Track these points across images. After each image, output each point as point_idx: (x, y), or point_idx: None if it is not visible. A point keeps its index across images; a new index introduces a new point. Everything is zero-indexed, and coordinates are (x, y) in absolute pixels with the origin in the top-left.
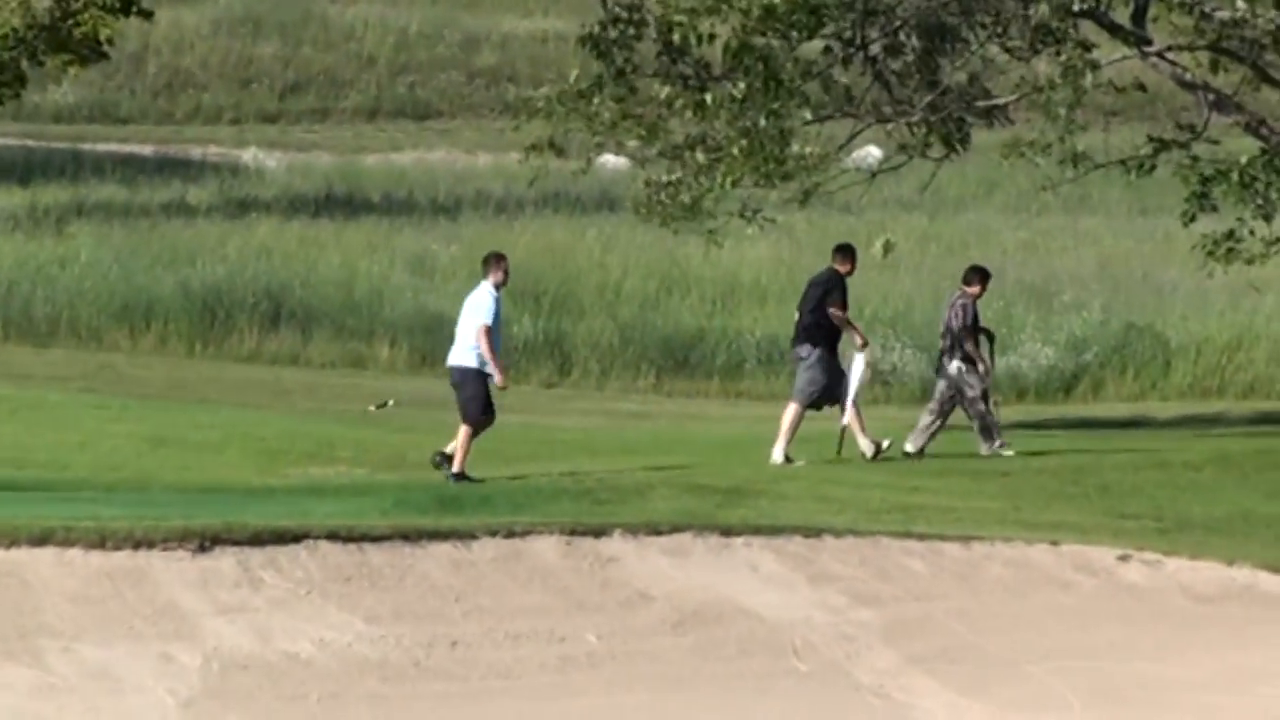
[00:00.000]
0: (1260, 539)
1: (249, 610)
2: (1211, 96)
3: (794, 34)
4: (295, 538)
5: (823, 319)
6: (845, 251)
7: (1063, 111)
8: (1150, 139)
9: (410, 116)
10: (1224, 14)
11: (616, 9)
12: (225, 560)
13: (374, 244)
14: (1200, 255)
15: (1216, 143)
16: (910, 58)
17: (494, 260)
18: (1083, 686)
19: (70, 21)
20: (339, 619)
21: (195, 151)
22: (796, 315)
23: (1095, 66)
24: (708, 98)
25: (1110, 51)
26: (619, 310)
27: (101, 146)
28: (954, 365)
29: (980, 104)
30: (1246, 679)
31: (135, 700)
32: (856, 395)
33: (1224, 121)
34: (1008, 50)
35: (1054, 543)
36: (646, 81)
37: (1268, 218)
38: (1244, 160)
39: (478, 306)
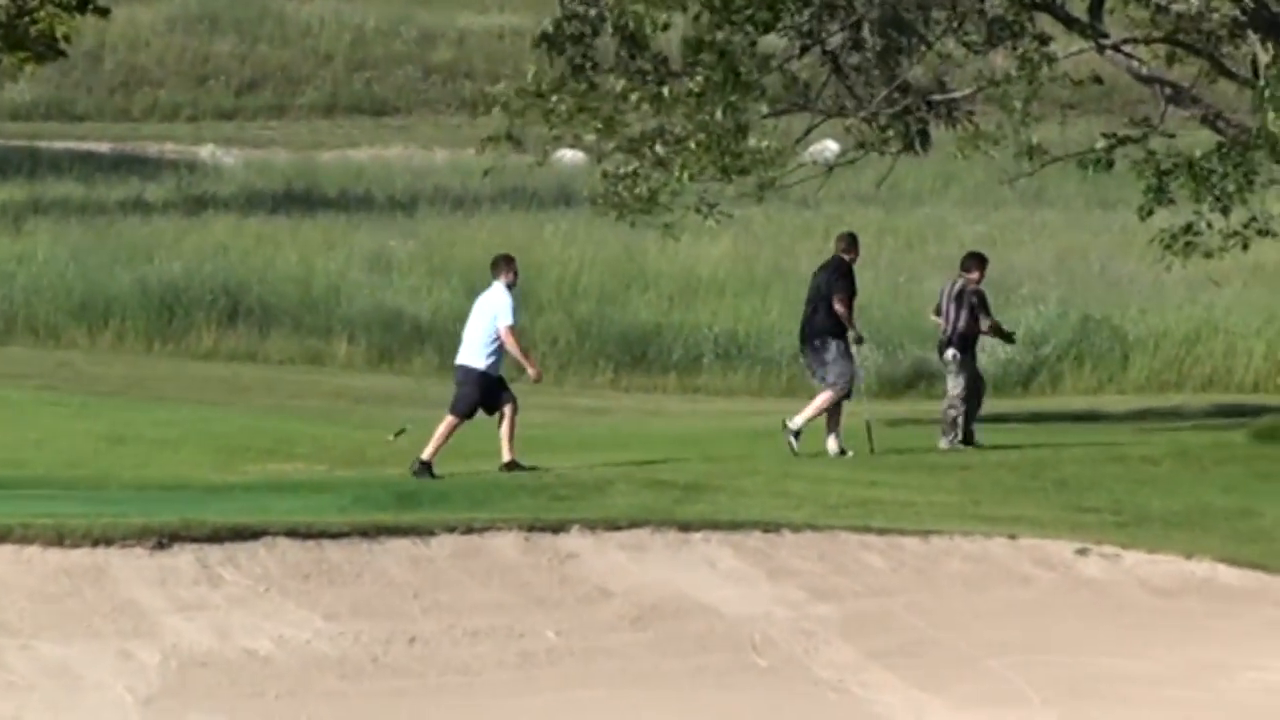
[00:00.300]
0: (1218, 532)
1: (208, 607)
2: (1168, 90)
3: (750, 28)
4: (254, 535)
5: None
6: (851, 239)
7: (1019, 104)
8: (1105, 135)
9: (367, 113)
10: (1180, 7)
11: (573, 6)
12: (184, 558)
13: (331, 240)
14: (1158, 249)
15: (1173, 136)
16: (869, 53)
17: (504, 262)
18: (1042, 680)
19: (26, 19)
20: (298, 616)
21: (152, 149)
22: (808, 309)
23: (1052, 60)
24: (664, 91)
25: (1067, 45)
26: (576, 306)
27: (58, 144)
28: (950, 353)
29: (937, 98)
30: (1206, 672)
31: (95, 698)
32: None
33: (1181, 115)
34: (965, 44)
35: (1012, 537)
36: (604, 76)
37: (1225, 211)
38: (1200, 153)
39: (498, 308)
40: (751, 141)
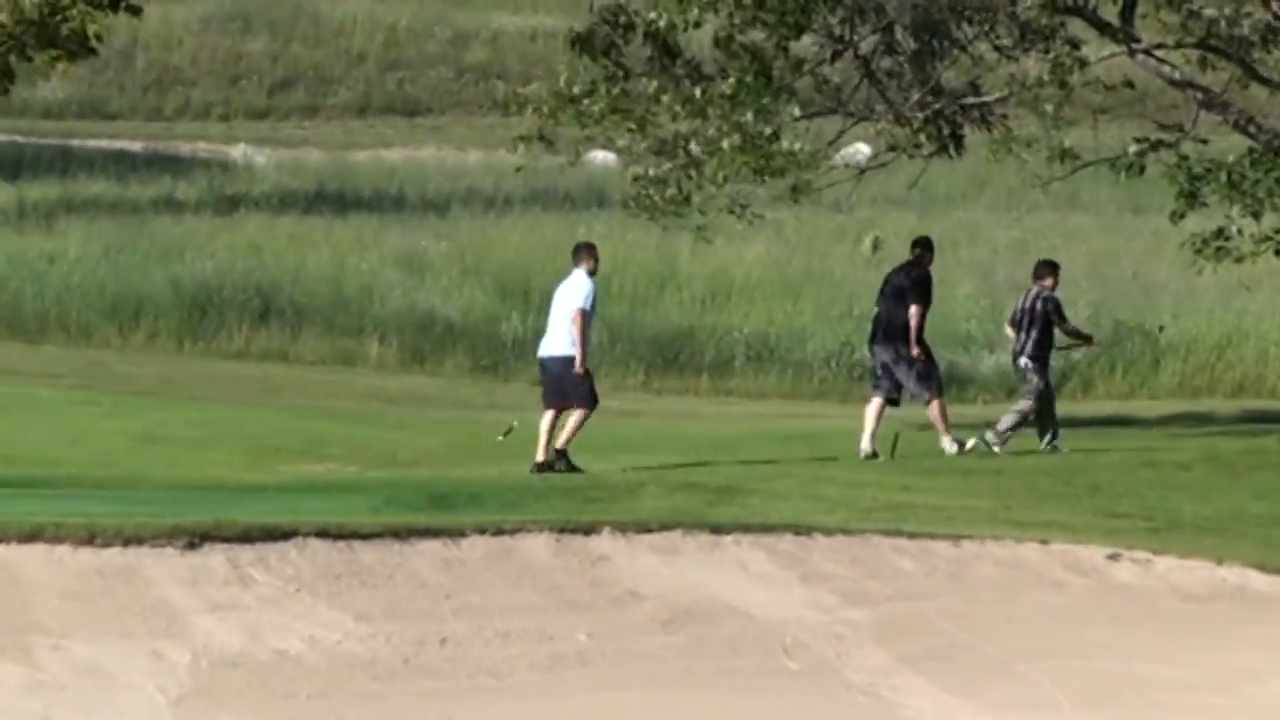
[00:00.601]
0: (1251, 538)
1: (239, 608)
2: (1200, 95)
3: (783, 30)
4: (285, 535)
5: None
6: (926, 244)
7: (1050, 108)
8: (1137, 140)
9: (400, 113)
10: (1211, 12)
11: (604, 13)
12: (215, 557)
13: (364, 241)
14: (1189, 253)
15: (1205, 141)
16: (902, 56)
17: (585, 249)
18: (1073, 686)
19: (59, 17)
20: (329, 617)
21: (185, 148)
22: (876, 311)
23: (1084, 64)
24: (698, 92)
25: (1099, 49)
26: (608, 307)
27: (91, 143)
28: (1022, 361)
29: (970, 101)
30: (1237, 679)
31: (125, 697)
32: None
33: (1212, 120)
34: (996, 48)
35: (1044, 542)
36: (636, 80)
37: (1257, 215)
38: (1232, 158)
39: (575, 292)
40: (784, 144)
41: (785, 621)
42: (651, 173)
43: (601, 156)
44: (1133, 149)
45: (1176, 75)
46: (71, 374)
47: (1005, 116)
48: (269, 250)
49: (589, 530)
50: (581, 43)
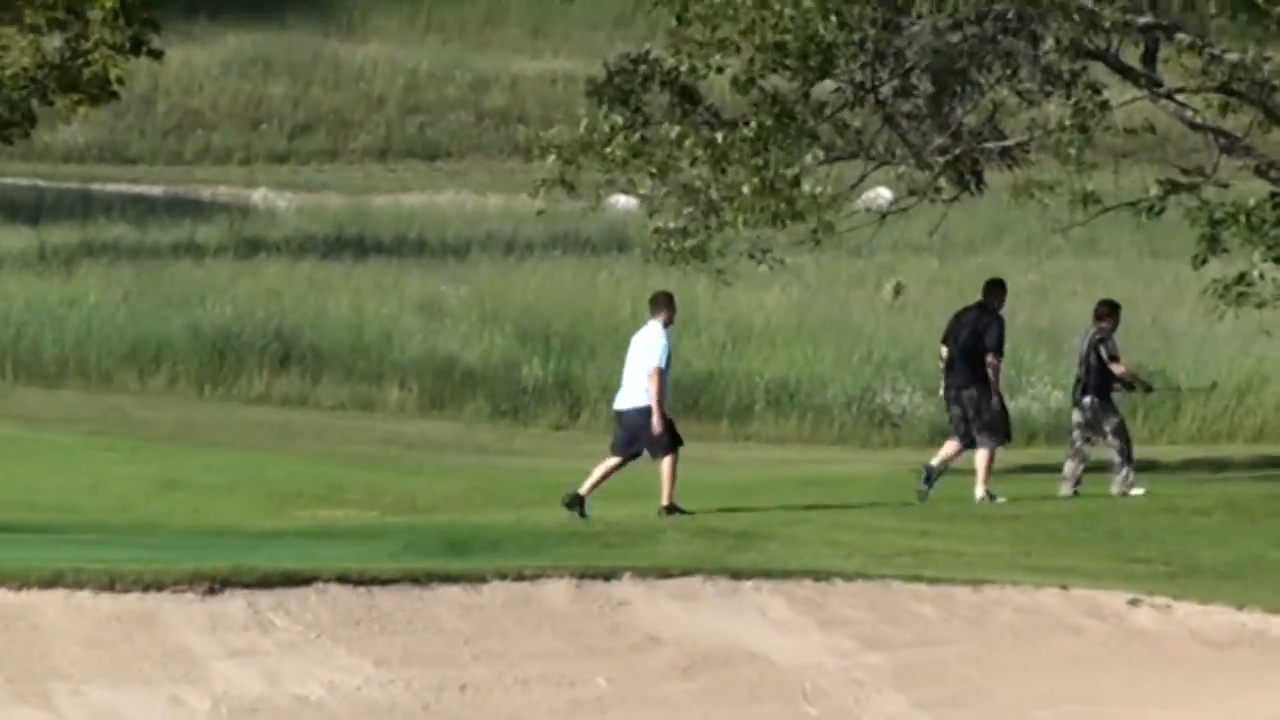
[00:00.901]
0: (1270, 584)
1: (258, 653)
2: (1222, 139)
3: (805, 75)
4: (305, 580)
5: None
6: (999, 286)
7: (1073, 152)
8: (1159, 182)
9: (420, 157)
10: (1233, 56)
11: (622, 62)
12: (234, 603)
13: (383, 285)
14: (1210, 299)
15: (1226, 185)
16: (920, 100)
17: (663, 299)
18: None
19: (80, 61)
20: (348, 662)
21: (205, 192)
22: (945, 351)
23: (1106, 108)
24: (719, 137)
25: (1120, 93)
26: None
27: (111, 187)
28: (1086, 400)
29: (991, 145)
30: None
31: None
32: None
33: (1234, 164)
34: (1018, 93)
35: (1064, 587)
36: (655, 127)
37: (1278, 261)
38: (1253, 203)
39: (650, 347)
40: (805, 188)
41: (804, 667)
42: (671, 225)
43: (622, 201)
44: (1154, 191)
45: (1198, 119)
46: (90, 419)
47: (1028, 153)
48: (289, 295)
49: (609, 576)
50: (600, 91)
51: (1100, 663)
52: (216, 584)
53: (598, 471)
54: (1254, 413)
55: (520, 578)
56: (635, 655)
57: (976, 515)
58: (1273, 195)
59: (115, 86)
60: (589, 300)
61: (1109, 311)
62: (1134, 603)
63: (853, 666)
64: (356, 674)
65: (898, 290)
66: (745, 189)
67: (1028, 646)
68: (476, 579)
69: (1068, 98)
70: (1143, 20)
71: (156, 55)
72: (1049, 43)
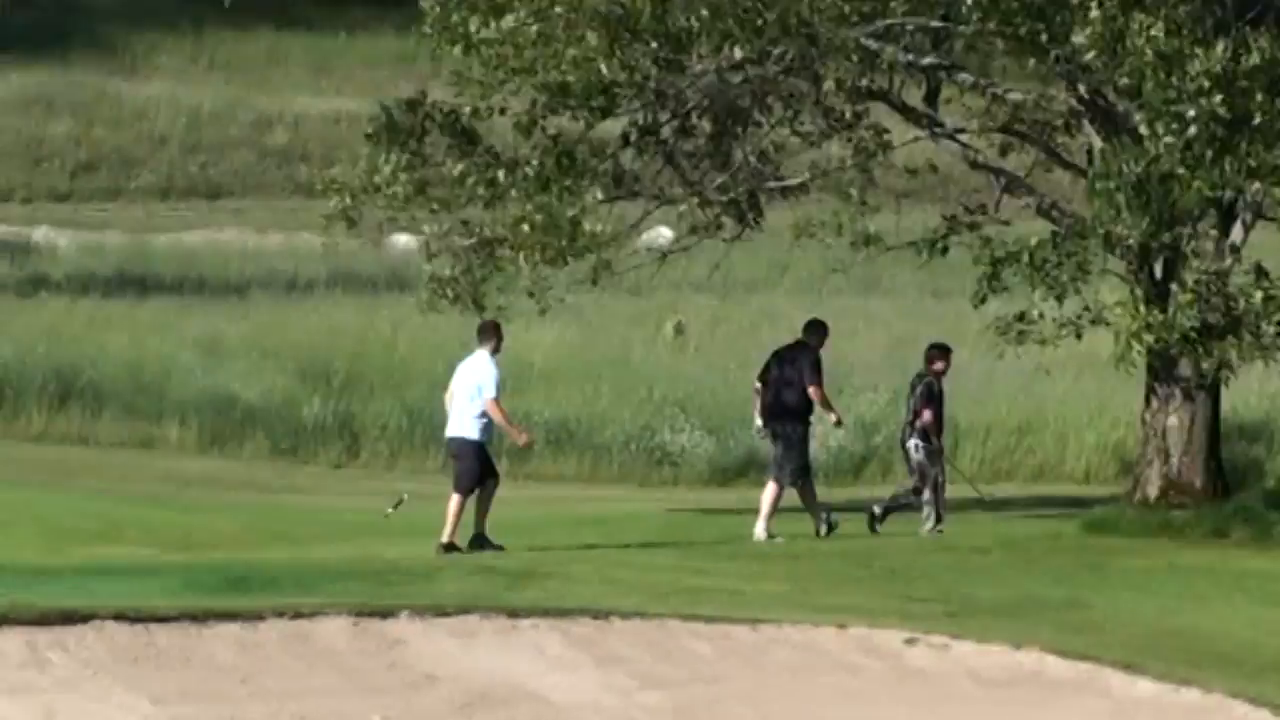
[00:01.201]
0: (1048, 623)
1: (35, 691)
2: (1003, 179)
3: (587, 115)
4: (82, 618)
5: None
6: (820, 326)
7: (854, 192)
8: (944, 218)
9: (202, 196)
10: (1016, 96)
11: (401, 105)
12: (12, 640)
13: (164, 323)
14: (990, 338)
15: (1007, 224)
16: (701, 140)
17: (490, 328)
18: None
19: None
20: (126, 699)
21: None
22: (759, 386)
23: (887, 148)
24: (500, 175)
25: (903, 134)
26: (407, 391)
27: None
28: (911, 442)
29: (771, 185)
30: None
31: None
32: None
33: (1016, 204)
34: (799, 134)
35: (841, 626)
36: (436, 168)
37: (1059, 299)
38: (1035, 242)
39: (482, 378)
40: (586, 226)
41: (581, 706)
42: (447, 272)
43: (404, 240)
44: (937, 227)
45: (980, 159)
46: None
47: (808, 193)
48: (68, 333)
49: (386, 614)
50: (379, 134)
51: (876, 701)
52: None
53: (452, 512)
54: (1034, 452)
55: (298, 615)
56: (412, 693)
57: (755, 554)
58: (1054, 234)
59: None
60: (369, 338)
61: (940, 354)
62: (911, 641)
63: (630, 705)
64: (133, 712)
65: (678, 329)
66: (526, 227)
67: (804, 684)
68: (254, 616)
69: (849, 140)
70: (926, 60)
71: None
72: (829, 84)
